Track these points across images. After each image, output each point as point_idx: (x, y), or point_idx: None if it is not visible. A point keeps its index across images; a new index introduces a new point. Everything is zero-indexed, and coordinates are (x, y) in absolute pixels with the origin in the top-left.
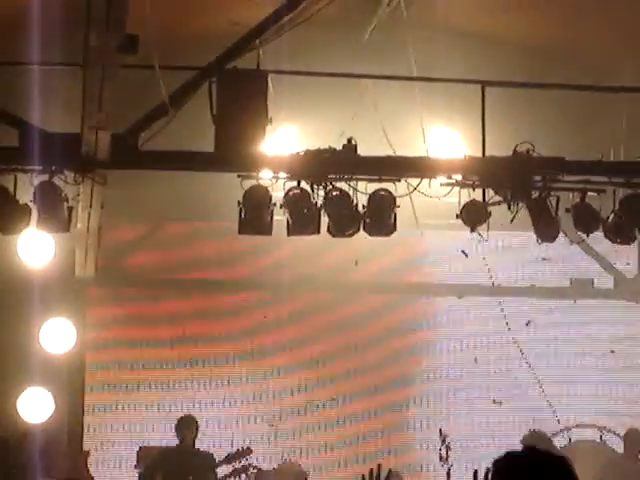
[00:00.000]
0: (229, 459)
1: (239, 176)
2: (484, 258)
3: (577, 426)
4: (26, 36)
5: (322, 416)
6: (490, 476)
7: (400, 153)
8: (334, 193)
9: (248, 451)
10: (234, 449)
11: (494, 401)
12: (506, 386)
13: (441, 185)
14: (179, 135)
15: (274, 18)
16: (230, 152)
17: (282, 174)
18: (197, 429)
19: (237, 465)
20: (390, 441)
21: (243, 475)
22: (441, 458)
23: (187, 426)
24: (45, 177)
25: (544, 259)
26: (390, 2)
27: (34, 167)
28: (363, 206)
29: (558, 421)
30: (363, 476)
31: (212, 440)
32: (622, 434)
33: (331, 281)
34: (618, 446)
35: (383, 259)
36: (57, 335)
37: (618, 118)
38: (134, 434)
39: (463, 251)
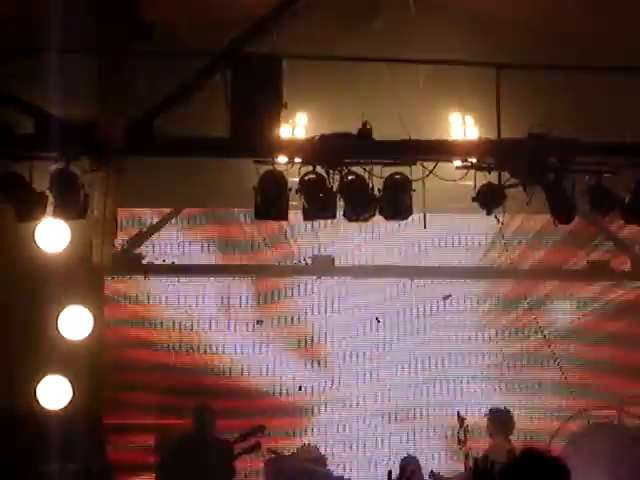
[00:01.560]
0: (243, 437)
1: (255, 162)
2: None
3: (595, 407)
4: (42, 22)
5: None
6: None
7: (416, 137)
8: (350, 177)
9: (261, 428)
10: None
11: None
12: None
13: (457, 168)
14: (194, 121)
15: (288, 2)
16: (245, 137)
17: (297, 159)
18: (214, 416)
19: (251, 442)
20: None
21: (256, 451)
22: (459, 442)
23: (205, 413)
24: (61, 164)
25: None
26: None
27: (50, 154)
28: (379, 190)
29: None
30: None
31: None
32: None
33: None
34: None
35: None
36: (75, 322)
37: (635, 99)
38: (153, 418)
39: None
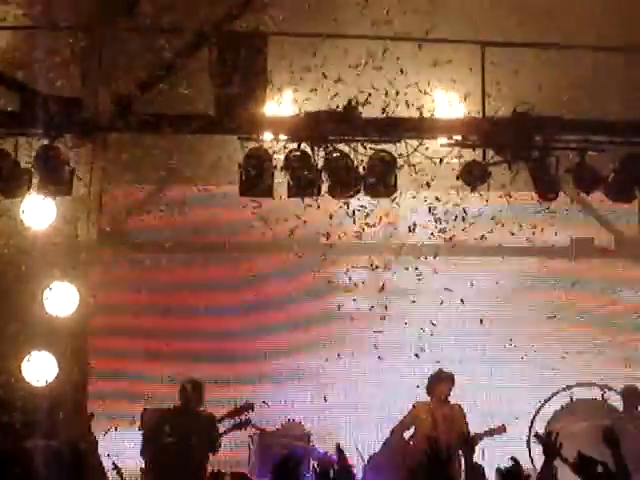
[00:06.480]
0: (230, 414)
1: (239, 138)
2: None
3: (578, 385)
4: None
5: None
6: None
7: (401, 114)
8: (334, 155)
9: (249, 406)
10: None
11: None
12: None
13: (441, 146)
14: (180, 98)
15: None
16: (230, 114)
17: (282, 136)
18: (202, 392)
19: (238, 419)
20: None
21: (243, 429)
22: None
23: (192, 388)
24: (46, 141)
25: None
26: None
27: (35, 131)
28: (364, 167)
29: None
30: None
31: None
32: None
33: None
34: (619, 404)
35: None
36: (60, 299)
37: (619, 77)
38: (137, 396)
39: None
